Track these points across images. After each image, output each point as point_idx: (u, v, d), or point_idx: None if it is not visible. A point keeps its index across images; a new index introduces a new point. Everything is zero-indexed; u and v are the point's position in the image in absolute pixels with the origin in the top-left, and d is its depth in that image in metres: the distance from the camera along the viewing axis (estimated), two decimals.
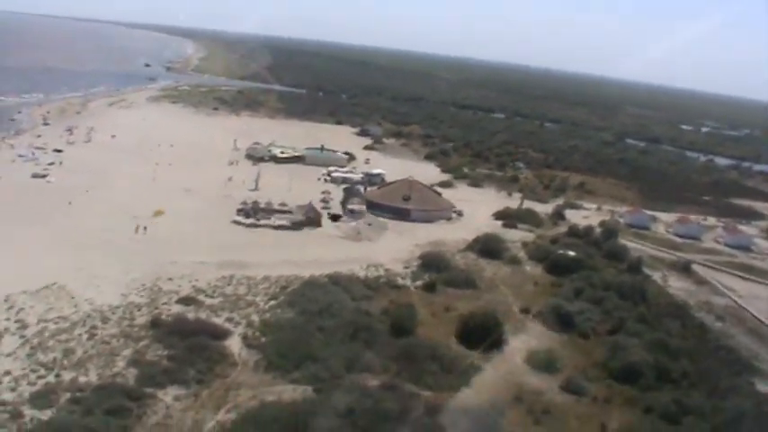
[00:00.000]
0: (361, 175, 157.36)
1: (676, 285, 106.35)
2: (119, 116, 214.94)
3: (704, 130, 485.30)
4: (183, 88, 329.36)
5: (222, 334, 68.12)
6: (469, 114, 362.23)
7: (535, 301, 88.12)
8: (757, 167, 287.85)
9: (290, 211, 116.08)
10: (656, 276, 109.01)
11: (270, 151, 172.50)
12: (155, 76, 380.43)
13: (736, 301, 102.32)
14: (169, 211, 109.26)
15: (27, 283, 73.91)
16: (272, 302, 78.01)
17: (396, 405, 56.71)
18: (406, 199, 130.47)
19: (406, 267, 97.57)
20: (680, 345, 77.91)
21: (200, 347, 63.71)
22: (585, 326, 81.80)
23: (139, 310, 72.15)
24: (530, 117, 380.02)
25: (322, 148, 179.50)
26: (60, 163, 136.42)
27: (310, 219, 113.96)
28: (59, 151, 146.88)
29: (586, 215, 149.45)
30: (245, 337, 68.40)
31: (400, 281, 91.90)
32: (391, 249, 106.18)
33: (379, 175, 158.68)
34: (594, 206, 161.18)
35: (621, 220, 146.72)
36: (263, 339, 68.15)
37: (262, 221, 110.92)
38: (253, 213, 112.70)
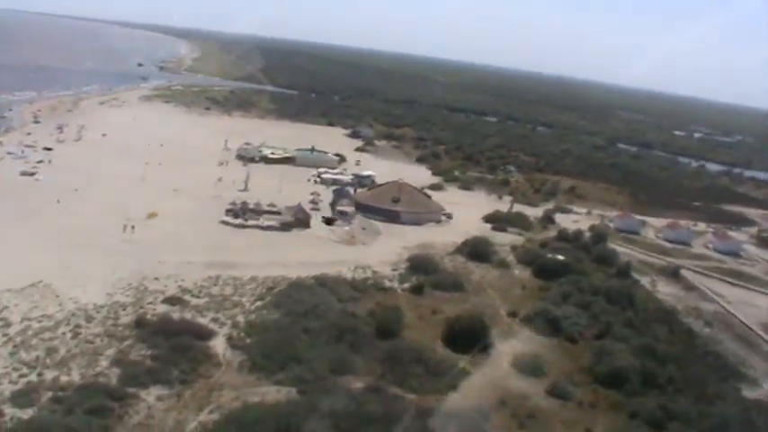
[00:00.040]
0: (351, 177, 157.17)
1: (665, 290, 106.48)
2: (110, 115, 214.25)
3: (696, 135, 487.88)
4: (175, 88, 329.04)
5: (207, 334, 67.81)
6: (462, 117, 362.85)
7: (523, 305, 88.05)
8: (748, 173, 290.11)
9: (278, 212, 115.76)
10: (645, 281, 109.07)
11: (261, 152, 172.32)
12: (147, 75, 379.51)
13: (724, 307, 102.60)
14: (158, 211, 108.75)
15: (12, 280, 73.49)
16: (259, 303, 77.73)
17: (380, 408, 56.59)
18: (396, 201, 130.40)
19: (394, 270, 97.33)
20: (667, 350, 77.98)
21: (185, 348, 63.30)
22: (573, 330, 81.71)
23: (124, 309, 71.76)
24: (522, 121, 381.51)
25: (312, 150, 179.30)
26: (50, 161, 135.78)
27: (299, 220, 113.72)
28: (49, 149, 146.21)
29: (576, 219, 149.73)
30: (229, 338, 68.08)
31: (387, 283, 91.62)
32: (379, 252, 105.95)
33: (369, 177, 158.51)
34: (585, 210, 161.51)
35: (611, 225, 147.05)
36: (248, 340, 67.88)
37: (250, 222, 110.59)
38: (241, 214, 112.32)
